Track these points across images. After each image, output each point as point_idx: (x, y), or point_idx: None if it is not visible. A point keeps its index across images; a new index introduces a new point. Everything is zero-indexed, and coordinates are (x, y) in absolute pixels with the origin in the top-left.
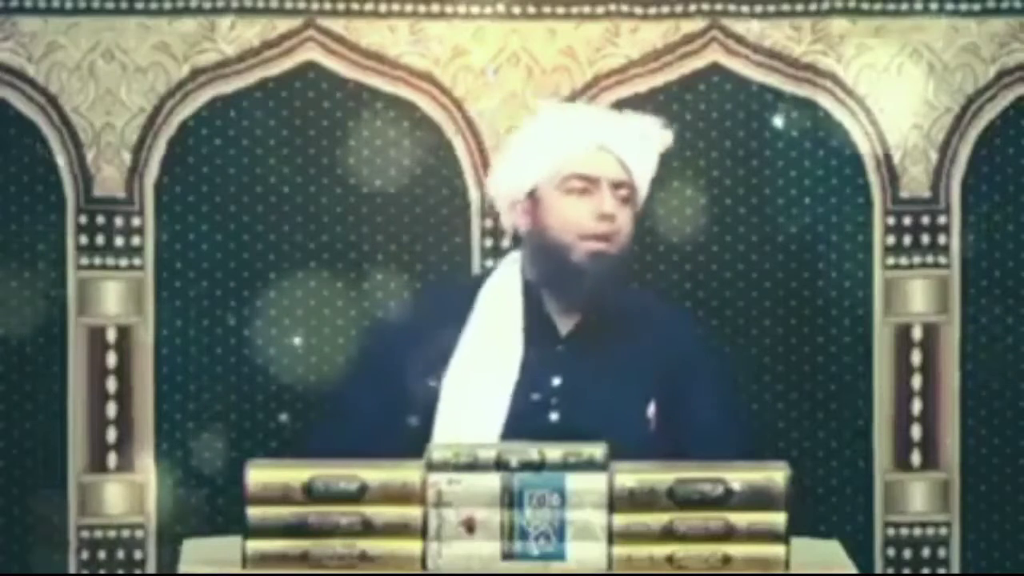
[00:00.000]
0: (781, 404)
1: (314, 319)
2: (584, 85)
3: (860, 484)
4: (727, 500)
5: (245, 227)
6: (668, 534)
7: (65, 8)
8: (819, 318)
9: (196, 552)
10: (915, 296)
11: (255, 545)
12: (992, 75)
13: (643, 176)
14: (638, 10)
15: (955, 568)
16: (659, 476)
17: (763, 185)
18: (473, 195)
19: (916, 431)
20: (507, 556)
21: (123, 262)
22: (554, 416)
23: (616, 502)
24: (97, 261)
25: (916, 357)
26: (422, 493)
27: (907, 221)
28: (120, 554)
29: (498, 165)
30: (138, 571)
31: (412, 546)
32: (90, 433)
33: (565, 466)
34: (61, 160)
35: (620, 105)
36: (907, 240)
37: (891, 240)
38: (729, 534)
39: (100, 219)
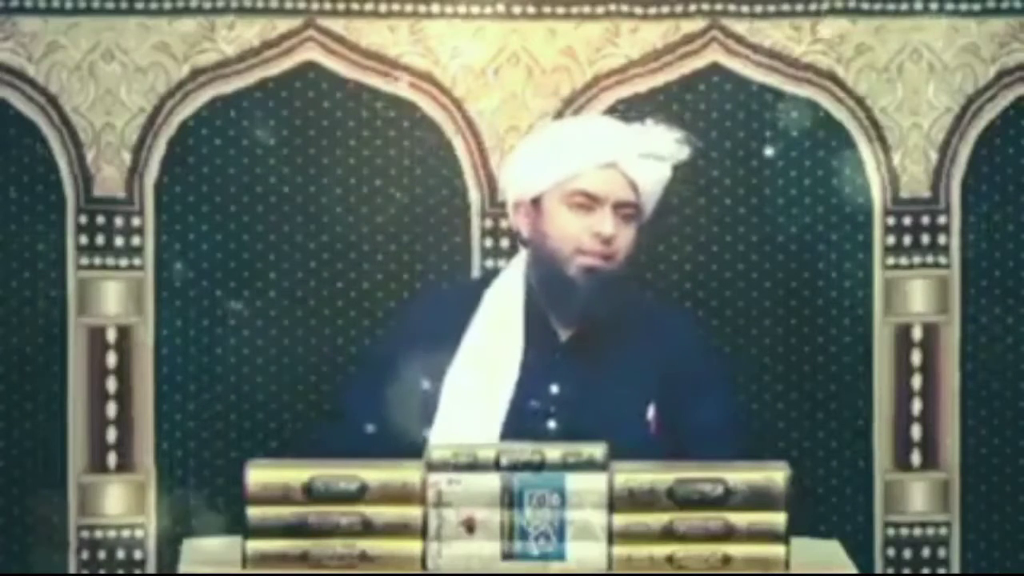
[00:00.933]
0: (781, 404)
1: (314, 319)
2: (584, 85)
3: (860, 484)
4: (727, 500)
5: (245, 227)
6: (668, 534)
7: (65, 8)
8: (819, 318)
9: (196, 552)
10: (915, 296)
11: (255, 545)
12: (992, 75)
13: (651, 194)
14: (638, 10)
15: (955, 568)
16: (659, 476)
17: (763, 185)
18: (473, 195)
19: (916, 431)
20: (507, 556)
21: (123, 262)
22: (552, 422)
23: (616, 502)
24: (97, 261)
25: (916, 357)
26: (422, 493)
27: (907, 221)
28: (120, 554)
29: (510, 162)
30: (138, 571)
31: (412, 546)
32: (90, 433)
33: (565, 466)
34: (61, 160)
35: (620, 105)
36: (907, 240)
37: (891, 240)
38: (729, 534)
39: (100, 219)
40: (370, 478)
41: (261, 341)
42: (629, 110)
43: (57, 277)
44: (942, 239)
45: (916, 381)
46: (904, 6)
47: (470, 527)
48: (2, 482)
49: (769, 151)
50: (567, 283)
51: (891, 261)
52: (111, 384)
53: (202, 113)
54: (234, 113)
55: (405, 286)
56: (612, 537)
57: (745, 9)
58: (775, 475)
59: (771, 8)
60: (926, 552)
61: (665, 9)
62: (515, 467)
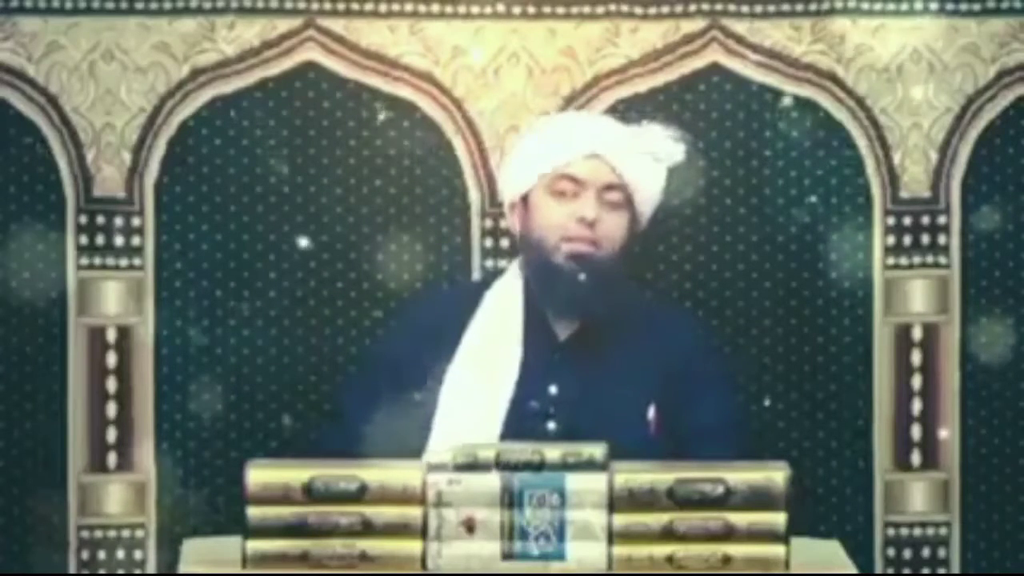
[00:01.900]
0: (781, 404)
1: (314, 318)
2: (584, 85)
3: (860, 484)
4: (727, 500)
5: (245, 227)
6: (668, 534)
7: (65, 8)
8: (819, 318)
9: (196, 552)
10: (915, 296)
11: (255, 545)
12: (992, 75)
13: (642, 185)
14: (638, 10)
15: (955, 568)
16: (659, 476)
17: (763, 185)
18: (473, 195)
19: (916, 431)
20: (507, 556)
21: (123, 262)
22: (552, 423)
23: (616, 502)
24: (97, 261)
25: (916, 357)
26: (422, 493)
27: (907, 221)
28: (120, 554)
29: (504, 164)
30: (138, 571)
31: (412, 546)
32: (90, 433)
33: (565, 466)
34: (61, 160)
35: (620, 105)
36: (907, 240)
37: (891, 240)
38: (729, 534)
39: (100, 219)
40: (370, 478)
41: (261, 341)
42: (629, 110)
43: (57, 277)
44: (942, 239)
45: (916, 381)
46: (904, 6)
47: (470, 527)
48: (2, 482)
49: (769, 151)
50: (555, 272)
51: (891, 261)
52: (111, 384)
53: (202, 113)
54: (234, 113)
55: (405, 286)
56: (612, 537)
57: (745, 9)
58: (775, 475)
59: (771, 8)
60: (926, 552)
61: (665, 9)
62: (515, 467)
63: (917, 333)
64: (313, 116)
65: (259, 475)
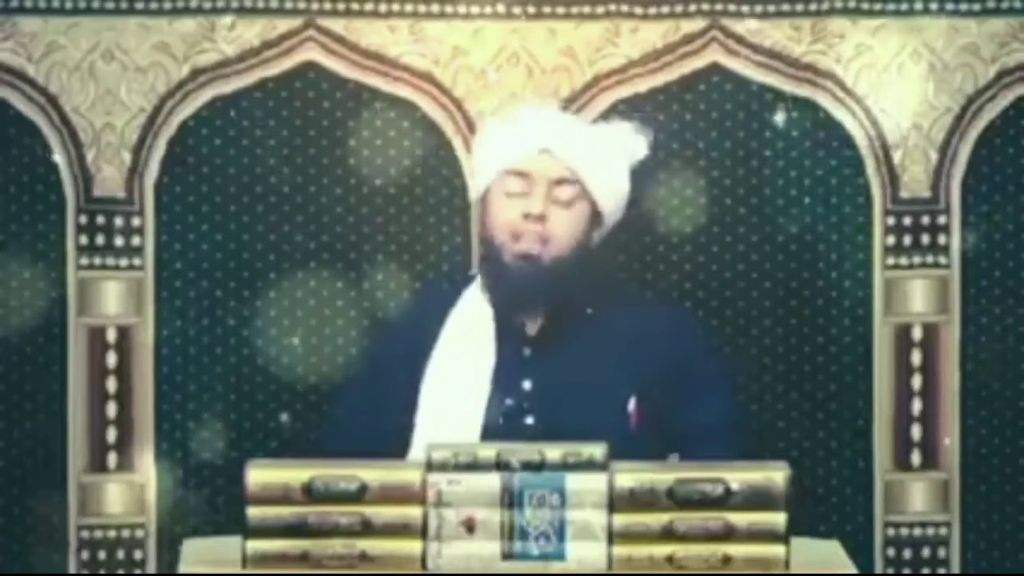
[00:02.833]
0: (781, 404)
1: (314, 319)
2: (584, 85)
3: (860, 484)
4: (727, 500)
5: (245, 227)
6: (668, 534)
7: (65, 8)
8: (819, 318)
9: (196, 552)
10: (915, 296)
11: (255, 545)
12: (992, 75)
13: (597, 178)
14: (638, 10)
15: (955, 568)
16: (659, 476)
17: (763, 185)
18: (473, 195)
19: (916, 431)
20: (507, 556)
21: (123, 262)
22: (529, 417)
23: (616, 502)
24: (97, 261)
25: (916, 357)
26: (422, 493)
27: (907, 221)
28: (120, 554)
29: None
30: (138, 571)
31: (412, 546)
32: (90, 433)
33: (565, 466)
34: (61, 160)
35: (620, 105)
36: (907, 240)
37: (891, 240)
38: (729, 534)
39: (100, 219)
40: (370, 478)
41: (261, 341)
42: (629, 110)
43: (57, 277)
44: (942, 239)
45: (916, 381)
46: (904, 6)
47: (470, 527)
48: (2, 482)
49: (769, 151)
50: (505, 271)
51: (891, 261)
52: (111, 384)
53: (202, 113)
54: (234, 113)
55: (405, 286)
56: (612, 537)
57: (745, 9)
58: (775, 475)
59: (771, 8)
60: (926, 552)
61: (665, 9)
62: (515, 467)
63: (917, 333)
64: (313, 116)
65: (259, 475)
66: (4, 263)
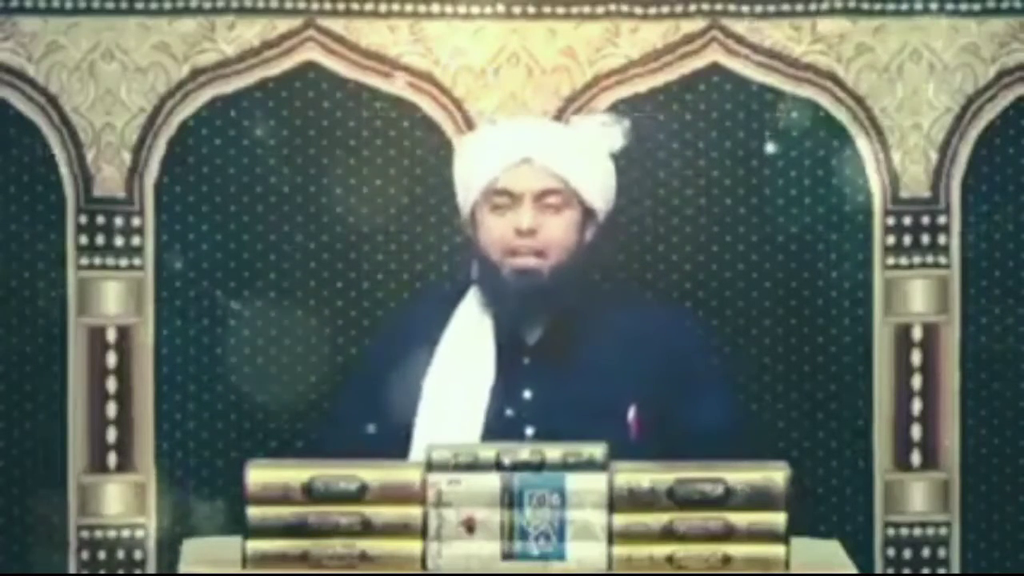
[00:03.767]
0: (781, 404)
1: (314, 319)
2: (584, 85)
3: (860, 484)
4: (727, 500)
5: (245, 227)
6: (668, 534)
7: (65, 8)
8: (819, 318)
9: (196, 552)
10: (915, 296)
11: (255, 545)
12: (992, 75)
13: (584, 179)
14: (638, 10)
15: (955, 568)
16: (659, 476)
17: (763, 185)
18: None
19: (916, 431)
20: (507, 556)
21: (123, 262)
22: (529, 428)
23: (616, 502)
24: (97, 261)
25: (916, 357)
26: (422, 493)
27: (907, 221)
28: (120, 554)
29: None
30: (138, 571)
31: (412, 546)
32: (90, 433)
33: (565, 466)
34: (61, 160)
35: (620, 105)
36: (907, 240)
37: (891, 240)
38: (729, 534)
39: (100, 219)
40: (370, 478)
41: (261, 341)
42: (629, 110)
43: (57, 277)
44: (942, 239)
45: (916, 381)
46: (904, 6)
47: (470, 527)
48: (2, 482)
49: (770, 148)
50: (504, 286)
51: (891, 261)
52: (111, 384)
53: (202, 113)
54: (234, 113)
55: (405, 286)
56: (612, 537)
57: (745, 9)
58: (775, 475)
59: (771, 8)
60: (926, 552)
61: (665, 9)
62: (515, 467)
63: (917, 333)
64: (313, 116)
65: (259, 475)
66: (4, 263)
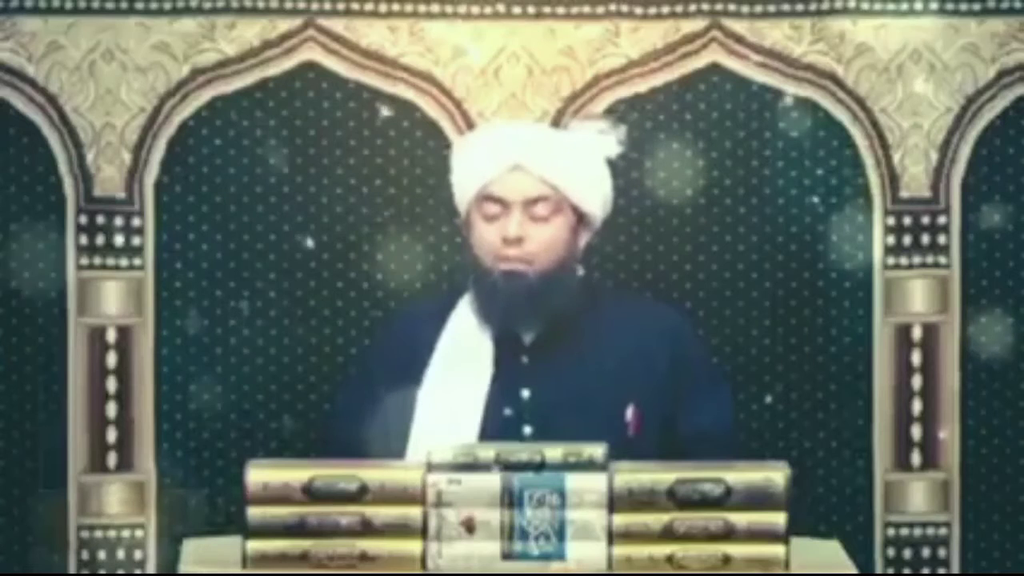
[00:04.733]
0: (781, 404)
1: (314, 319)
2: (584, 85)
3: (860, 484)
4: (727, 500)
5: (245, 227)
6: (668, 534)
7: (65, 8)
8: (819, 318)
9: (196, 552)
10: (915, 296)
11: (255, 545)
12: (992, 75)
13: (576, 186)
14: (638, 10)
15: (955, 568)
16: (659, 476)
17: (763, 185)
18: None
19: (916, 431)
20: (507, 556)
21: (123, 262)
22: (527, 427)
23: (616, 502)
24: (97, 261)
25: (916, 357)
26: (422, 493)
27: (907, 221)
28: (120, 554)
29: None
30: (138, 571)
31: (412, 546)
32: (90, 433)
33: (565, 466)
34: (61, 160)
35: (620, 105)
36: (907, 240)
37: (891, 240)
38: (729, 534)
39: (100, 219)
40: (370, 478)
41: (261, 341)
42: (629, 110)
43: (57, 277)
44: (942, 239)
45: (916, 381)
46: (904, 6)
47: (470, 527)
48: (2, 482)
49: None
50: (494, 289)
51: (891, 261)
52: (111, 384)
53: (202, 113)
54: (234, 113)
55: (405, 286)
56: (612, 537)
57: (745, 9)
58: (775, 475)
59: (771, 8)
60: (926, 552)
61: (665, 9)
62: (515, 467)
63: (917, 333)
64: (313, 116)
65: (259, 475)
66: (4, 263)
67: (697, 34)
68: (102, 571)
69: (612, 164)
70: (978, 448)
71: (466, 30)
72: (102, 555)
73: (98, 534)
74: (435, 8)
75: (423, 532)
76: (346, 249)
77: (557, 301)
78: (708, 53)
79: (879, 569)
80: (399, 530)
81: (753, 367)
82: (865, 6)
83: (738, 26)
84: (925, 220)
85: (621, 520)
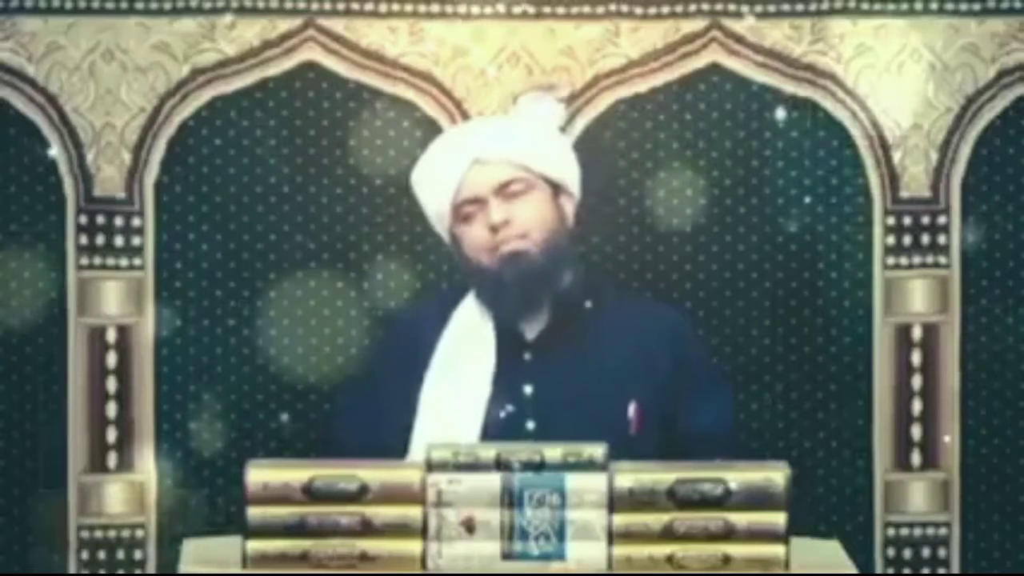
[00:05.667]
0: (781, 404)
1: (314, 319)
2: (584, 85)
3: (860, 484)
4: (727, 500)
5: (245, 227)
6: (668, 534)
7: (65, 8)
8: (819, 318)
9: (196, 552)
10: (915, 296)
11: (255, 545)
12: (992, 75)
13: (539, 159)
14: (638, 10)
15: (955, 568)
16: (659, 476)
17: (763, 185)
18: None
19: (916, 431)
20: (507, 556)
21: (123, 262)
22: (530, 423)
23: (616, 502)
24: (97, 261)
25: (916, 357)
26: (422, 493)
27: (907, 221)
28: (120, 554)
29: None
30: (138, 571)
31: (412, 546)
32: (90, 433)
33: (565, 466)
34: (61, 160)
35: (620, 105)
36: (907, 240)
37: (891, 240)
38: (729, 534)
39: (100, 219)
40: (370, 478)
41: (261, 341)
42: (629, 110)
43: (57, 277)
44: (942, 239)
45: (916, 381)
46: (904, 6)
47: (470, 527)
48: (2, 482)
49: (769, 151)
50: (497, 281)
51: (891, 261)
52: (111, 384)
53: (202, 113)
54: (234, 113)
55: (405, 286)
56: (612, 537)
57: (745, 9)
58: (775, 475)
59: (771, 8)
60: (926, 552)
61: (665, 9)
62: (515, 467)
63: (917, 333)
64: (313, 116)
65: (259, 475)
66: (4, 263)
67: (697, 34)
68: (102, 571)
69: (613, 164)
70: (978, 448)
71: (466, 30)
72: (102, 555)
73: (98, 534)
74: (435, 8)
75: (423, 532)
76: (346, 249)
77: (562, 273)
78: (708, 53)
79: (879, 569)
80: (399, 530)
81: (753, 367)
82: (865, 6)
83: (738, 26)
84: (925, 220)
85: (621, 520)
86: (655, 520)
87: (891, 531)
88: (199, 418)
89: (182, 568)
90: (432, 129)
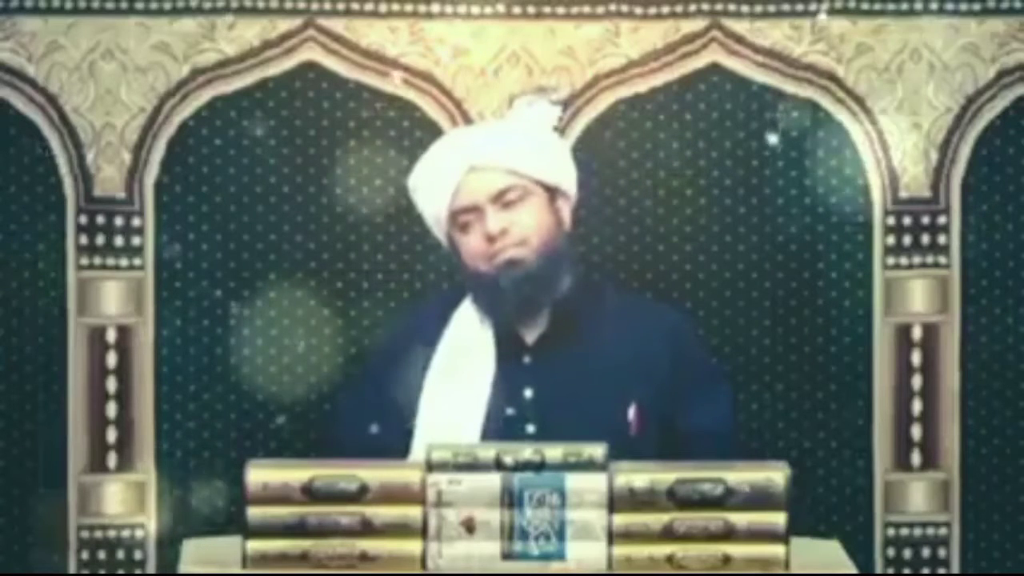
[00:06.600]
0: (781, 404)
1: (314, 319)
2: (584, 85)
3: (860, 484)
4: (727, 500)
5: (245, 227)
6: (668, 534)
7: (65, 8)
8: (819, 318)
9: (196, 552)
10: (915, 296)
11: (255, 545)
12: (992, 75)
13: (535, 164)
14: (638, 10)
15: (955, 568)
16: (659, 476)
17: (763, 185)
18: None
19: (916, 431)
20: (507, 556)
21: (123, 262)
22: (530, 426)
23: (616, 502)
24: (97, 261)
25: (916, 357)
26: (422, 493)
27: (907, 221)
28: (120, 554)
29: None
30: (138, 571)
31: (412, 546)
32: (90, 433)
33: (565, 466)
34: (61, 160)
35: (620, 105)
36: (907, 240)
37: (891, 240)
38: (729, 534)
39: (100, 219)
40: (370, 478)
41: (261, 341)
42: (629, 110)
43: (57, 277)
44: (942, 239)
45: (916, 381)
46: (904, 6)
47: (470, 527)
48: (2, 482)
49: (772, 139)
50: (496, 288)
51: (891, 261)
52: (111, 384)
53: (202, 113)
54: (234, 113)
55: (405, 286)
56: (612, 537)
57: (745, 9)
58: (775, 475)
59: (771, 8)
60: (926, 552)
61: (665, 9)
62: (515, 467)
63: (917, 333)
64: (313, 116)
65: (259, 475)
66: (4, 263)
67: (697, 34)
68: (102, 571)
69: (613, 164)
70: (978, 448)
71: (466, 30)
72: (102, 555)
73: (98, 534)
74: (435, 8)
75: (423, 532)
76: (346, 249)
77: (561, 276)
78: (708, 53)
79: (879, 569)
80: (399, 530)
81: (753, 367)
82: (865, 6)
83: (738, 26)
84: (925, 220)
85: (621, 520)
86: (655, 520)
87: (891, 531)
88: (199, 418)
89: (182, 568)
90: (432, 130)
